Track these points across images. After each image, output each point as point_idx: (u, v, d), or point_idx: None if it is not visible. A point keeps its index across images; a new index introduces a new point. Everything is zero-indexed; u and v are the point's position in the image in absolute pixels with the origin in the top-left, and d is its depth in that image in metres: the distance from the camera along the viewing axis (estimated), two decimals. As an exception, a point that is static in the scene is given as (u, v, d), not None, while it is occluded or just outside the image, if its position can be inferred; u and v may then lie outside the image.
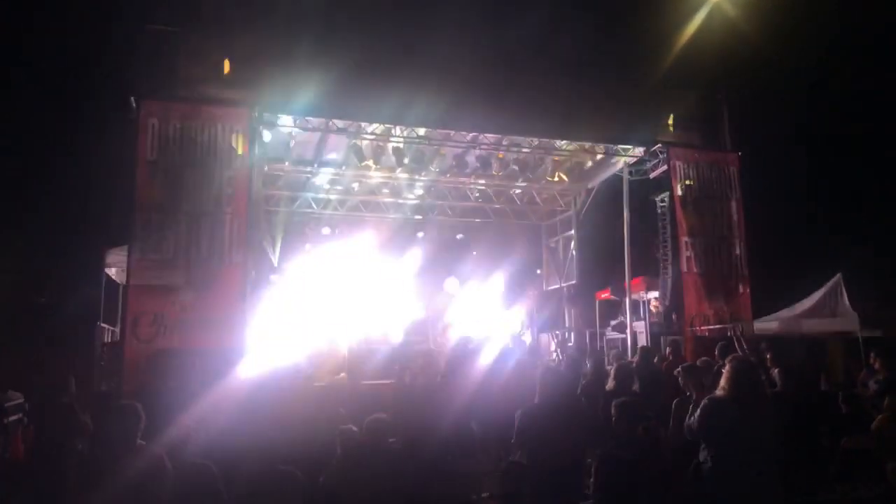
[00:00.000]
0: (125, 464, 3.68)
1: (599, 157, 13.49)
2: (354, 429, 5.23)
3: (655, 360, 9.83)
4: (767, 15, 13.98)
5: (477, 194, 15.45)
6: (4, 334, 12.01)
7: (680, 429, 4.81)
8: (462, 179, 14.36)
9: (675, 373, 6.44)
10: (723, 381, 4.50)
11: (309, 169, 13.57)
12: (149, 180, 9.10)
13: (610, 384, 6.36)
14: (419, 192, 15.01)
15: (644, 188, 13.45)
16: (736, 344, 8.38)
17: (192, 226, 9.15)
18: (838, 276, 13.33)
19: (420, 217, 15.80)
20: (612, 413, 4.69)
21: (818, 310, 13.44)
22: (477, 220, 16.26)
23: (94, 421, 7.61)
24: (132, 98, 9.24)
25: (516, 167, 12.95)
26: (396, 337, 13.18)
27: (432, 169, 12.76)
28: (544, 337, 15.83)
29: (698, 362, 7.45)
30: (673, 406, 5.72)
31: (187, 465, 4.52)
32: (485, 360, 8.30)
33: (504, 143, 12.52)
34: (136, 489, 3.70)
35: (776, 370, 7.52)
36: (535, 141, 12.43)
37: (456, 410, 6.36)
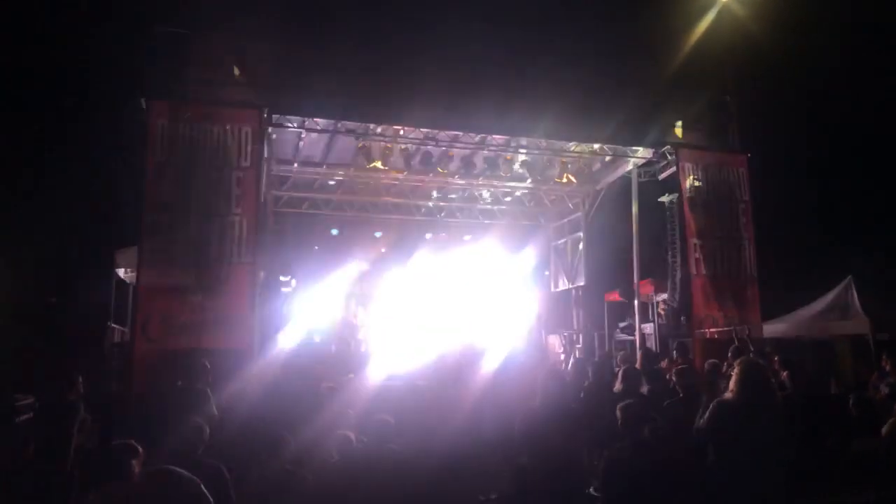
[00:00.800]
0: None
1: (608, 158, 13.48)
2: (350, 434, 5.25)
3: (665, 362, 9.83)
4: (777, 16, 13.92)
5: (485, 196, 15.45)
6: (15, 334, 12.10)
7: (676, 430, 4.80)
8: (470, 181, 14.36)
9: (669, 376, 6.46)
10: (731, 384, 4.49)
11: (317, 170, 13.61)
12: (158, 181, 9.14)
13: (618, 386, 6.36)
14: (427, 193, 15.03)
15: (653, 190, 13.40)
16: (741, 345, 8.34)
17: (201, 226, 9.18)
18: (849, 277, 13.25)
19: (428, 218, 15.81)
20: (617, 415, 4.68)
21: (828, 312, 13.35)
22: (485, 221, 16.26)
23: (102, 424, 7.64)
24: (142, 99, 9.29)
25: (524, 169, 12.94)
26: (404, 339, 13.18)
27: (440, 170, 12.76)
28: (552, 338, 15.82)
29: (706, 364, 7.45)
30: (664, 408, 5.72)
31: (197, 466, 4.53)
32: (493, 361, 8.31)
33: (512, 144, 12.52)
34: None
35: (785, 373, 7.49)
36: (544, 142, 12.42)
37: (465, 411, 6.38)
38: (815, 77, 17.94)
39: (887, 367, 7.99)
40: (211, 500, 3.60)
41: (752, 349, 8.68)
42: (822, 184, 18.78)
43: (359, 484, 4.58)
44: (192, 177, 9.29)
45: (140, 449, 3.82)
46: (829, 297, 13.49)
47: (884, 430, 5.59)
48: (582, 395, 6.96)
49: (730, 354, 7.77)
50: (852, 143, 18.48)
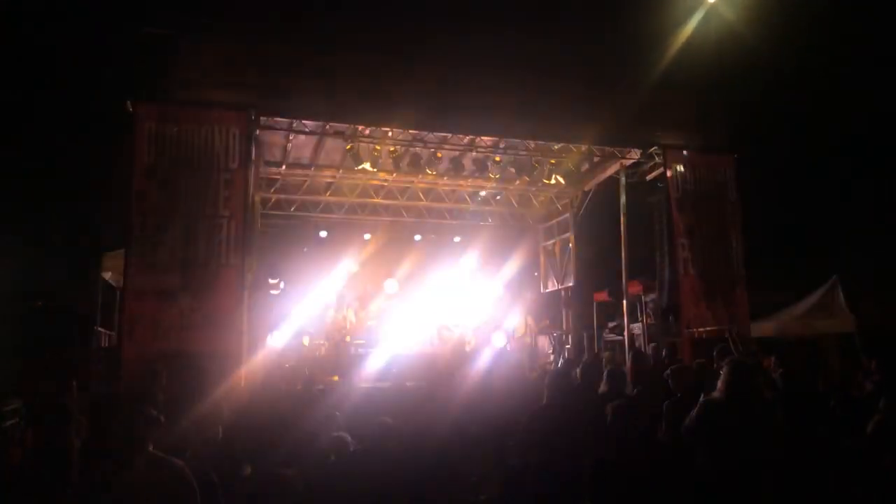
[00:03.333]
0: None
1: (596, 159, 13.54)
2: (347, 436, 5.25)
3: (660, 359, 9.86)
4: (764, 16, 14.03)
5: (475, 197, 15.51)
6: (2, 339, 11.99)
7: (672, 430, 4.82)
8: (459, 182, 14.39)
9: (665, 375, 6.46)
10: (720, 384, 4.51)
11: (306, 172, 13.59)
12: (145, 184, 9.09)
13: (603, 387, 6.36)
14: (416, 195, 15.06)
15: (640, 190, 13.46)
16: (732, 346, 8.38)
17: (188, 229, 9.14)
18: (835, 277, 13.36)
19: (417, 220, 15.83)
20: (608, 415, 4.68)
21: (815, 311, 13.46)
22: (474, 222, 16.29)
23: (92, 425, 7.60)
24: (128, 101, 9.24)
25: (513, 170, 12.97)
26: (394, 340, 13.19)
27: (429, 172, 12.77)
28: (542, 339, 15.85)
29: (693, 364, 7.50)
30: (664, 408, 5.72)
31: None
32: (482, 362, 8.34)
33: (501, 145, 12.55)
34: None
35: (779, 371, 7.55)
36: (532, 144, 12.45)
37: (454, 413, 6.38)
38: (802, 77, 18.07)
39: (872, 366, 8.04)
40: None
41: (741, 349, 8.75)
42: (808, 184, 18.91)
43: (351, 485, 4.58)
44: (180, 179, 9.25)
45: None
46: (816, 296, 13.60)
47: (869, 428, 5.64)
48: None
49: (715, 354, 7.81)
50: (839, 143, 18.62)
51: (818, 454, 5.70)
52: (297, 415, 6.39)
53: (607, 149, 12.66)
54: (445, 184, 14.51)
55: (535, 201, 15.95)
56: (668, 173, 11.77)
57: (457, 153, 12.53)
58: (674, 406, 5.83)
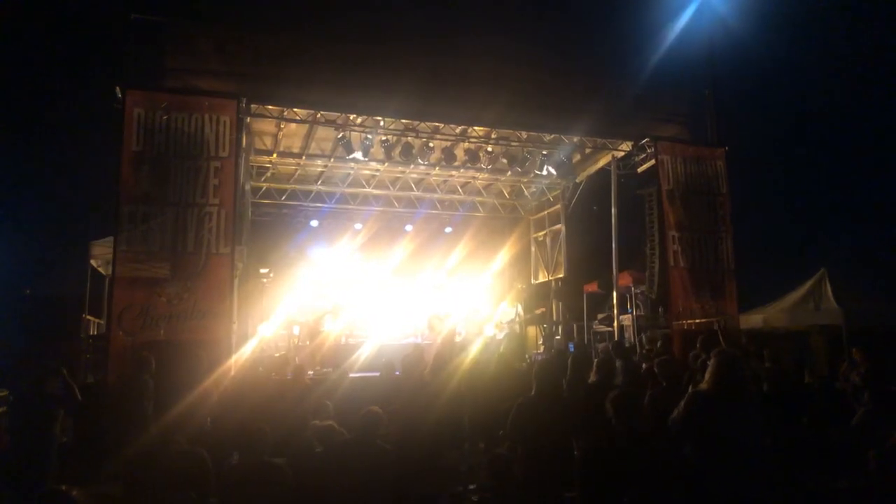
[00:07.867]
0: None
1: (587, 151, 13.55)
2: (334, 424, 5.25)
3: (645, 351, 9.92)
4: (756, 11, 14.06)
5: (466, 187, 15.49)
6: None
7: (654, 420, 4.84)
8: (451, 173, 14.38)
9: (652, 365, 6.50)
10: (707, 375, 4.52)
11: (296, 161, 13.53)
12: (134, 171, 9.00)
13: (592, 377, 6.39)
14: (407, 185, 15.04)
15: (632, 182, 13.49)
16: (720, 337, 8.43)
17: (178, 217, 9.06)
18: (822, 270, 13.43)
19: (408, 210, 15.82)
20: (608, 408, 4.67)
21: (803, 303, 13.53)
22: (465, 213, 16.30)
23: (76, 417, 7.56)
24: (118, 88, 9.14)
25: (505, 160, 12.97)
26: (384, 330, 13.19)
27: (421, 162, 12.75)
28: (532, 330, 15.90)
29: (690, 356, 7.54)
30: (647, 398, 5.75)
31: (178, 452, 4.50)
32: (472, 353, 8.35)
33: (493, 136, 12.53)
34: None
35: (767, 364, 7.61)
36: (524, 135, 12.44)
37: (443, 403, 6.40)
38: (792, 72, 18.15)
39: (858, 358, 8.12)
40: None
41: (728, 340, 8.79)
42: (797, 177, 19.03)
43: (340, 474, 4.58)
44: (170, 167, 9.16)
45: None
46: (804, 288, 13.67)
47: (854, 419, 5.70)
48: (566, 385, 7.01)
49: (699, 345, 7.84)
50: (828, 138, 18.74)
51: (803, 445, 5.76)
52: (287, 404, 6.40)
53: (599, 140, 12.68)
54: (437, 174, 14.50)
55: (526, 192, 15.97)
56: (660, 166, 11.79)
57: (449, 143, 12.50)
58: (657, 396, 5.87)
